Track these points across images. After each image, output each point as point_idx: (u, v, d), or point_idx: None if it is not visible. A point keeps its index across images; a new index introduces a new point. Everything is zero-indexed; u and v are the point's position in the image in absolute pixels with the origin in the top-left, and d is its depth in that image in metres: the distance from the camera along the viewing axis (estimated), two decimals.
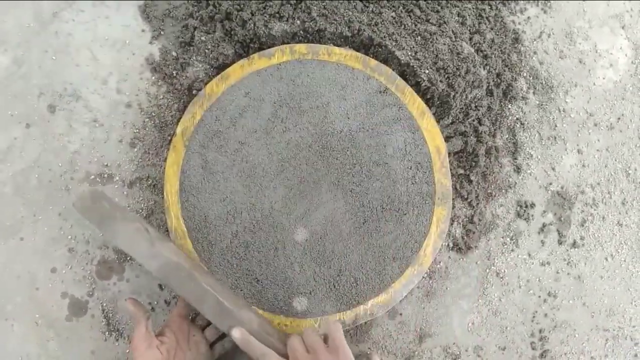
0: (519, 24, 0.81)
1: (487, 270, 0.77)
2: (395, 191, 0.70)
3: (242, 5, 0.74)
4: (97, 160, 0.75)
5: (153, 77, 0.77)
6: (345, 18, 0.72)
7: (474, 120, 0.76)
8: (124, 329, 0.74)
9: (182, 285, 0.62)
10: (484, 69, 0.74)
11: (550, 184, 0.79)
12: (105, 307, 0.74)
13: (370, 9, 0.74)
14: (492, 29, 0.77)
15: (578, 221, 0.79)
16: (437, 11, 0.75)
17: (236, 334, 0.61)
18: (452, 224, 0.76)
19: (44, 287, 0.74)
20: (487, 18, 0.77)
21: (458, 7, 0.76)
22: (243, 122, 0.70)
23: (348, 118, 0.70)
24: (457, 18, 0.75)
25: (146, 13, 0.78)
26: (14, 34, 0.76)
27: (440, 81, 0.72)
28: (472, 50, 0.72)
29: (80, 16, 0.77)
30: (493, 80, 0.76)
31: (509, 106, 0.79)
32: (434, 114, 0.72)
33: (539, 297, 0.78)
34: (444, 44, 0.72)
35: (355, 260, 0.69)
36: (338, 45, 0.73)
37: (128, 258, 0.74)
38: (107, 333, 0.74)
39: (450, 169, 0.71)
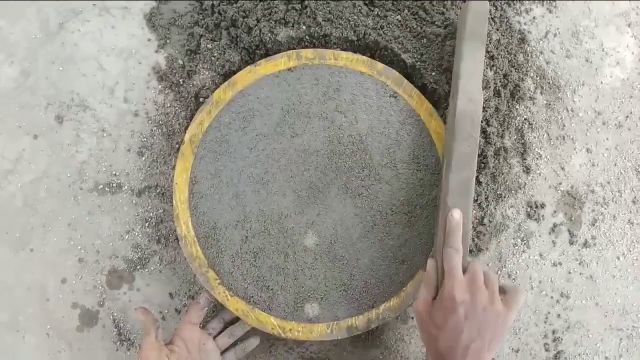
0: (525, 24, 0.81)
1: (499, 272, 0.76)
2: (405, 194, 0.69)
3: (247, 12, 0.74)
4: (105, 170, 0.76)
5: (160, 86, 0.77)
6: (351, 22, 0.72)
7: (481, 122, 0.75)
8: (135, 339, 0.74)
9: (463, 140, 0.65)
10: (491, 69, 0.74)
11: (560, 183, 0.79)
12: (116, 317, 0.74)
13: (376, 12, 0.74)
14: (497, 29, 0.77)
15: (589, 220, 0.79)
16: (443, 13, 0.75)
17: (456, 214, 0.62)
18: None
19: (55, 297, 0.74)
20: (492, 19, 0.77)
21: None
22: (251, 128, 0.70)
23: (356, 122, 0.70)
24: None
25: (152, 22, 0.78)
26: (20, 46, 0.77)
27: (447, 83, 0.71)
28: None
29: (86, 26, 0.78)
30: (500, 81, 0.76)
31: (517, 107, 0.78)
32: (441, 116, 0.72)
33: (552, 297, 0.77)
34: (450, 46, 0.72)
35: (366, 264, 0.68)
36: (344, 50, 0.73)
37: (138, 267, 0.74)
38: (118, 343, 0.73)
39: None
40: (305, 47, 0.74)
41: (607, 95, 0.81)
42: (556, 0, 0.82)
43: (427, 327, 0.59)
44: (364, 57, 0.71)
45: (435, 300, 0.60)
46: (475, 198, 0.76)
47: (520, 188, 0.78)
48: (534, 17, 0.81)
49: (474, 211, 0.76)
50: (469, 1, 0.68)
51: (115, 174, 0.76)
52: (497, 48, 0.76)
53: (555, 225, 0.78)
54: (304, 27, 0.72)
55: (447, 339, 0.57)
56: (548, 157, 0.79)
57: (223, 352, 0.70)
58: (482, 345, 0.56)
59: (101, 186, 0.75)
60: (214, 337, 0.70)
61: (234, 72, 0.73)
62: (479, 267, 0.60)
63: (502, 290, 0.60)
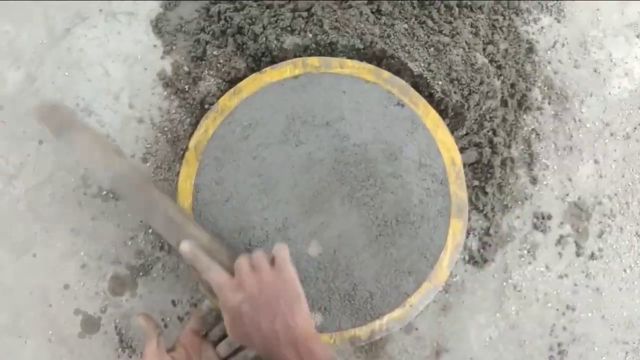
0: (533, 33, 0.80)
1: (504, 284, 0.76)
2: (410, 204, 0.69)
3: (253, 19, 0.74)
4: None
5: (165, 92, 0.77)
6: (358, 30, 0.72)
7: (488, 131, 0.75)
8: (136, 346, 0.73)
9: (133, 196, 0.64)
10: (498, 79, 0.74)
11: (567, 194, 0.78)
12: (118, 324, 0.73)
13: (383, 21, 0.74)
14: (505, 39, 0.77)
15: (596, 232, 0.78)
16: (450, 22, 0.74)
17: (185, 246, 0.60)
18: (467, 237, 0.75)
19: (57, 303, 0.73)
20: (500, 28, 0.77)
21: (471, 17, 0.75)
22: (256, 135, 0.70)
23: (362, 131, 0.70)
24: (470, 29, 0.75)
25: (158, 28, 0.78)
26: (27, 50, 0.77)
27: (454, 92, 0.71)
28: (486, 61, 0.72)
29: (92, 32, 0.78)
30: (507, 91, 0.76)
31: (524, 116, 0.78)
32: (448, 125, 0.71)
33: (557, 310, 0.76)
34: (458, 55, 0.71)
35: (370, 274, 0.68)
36: (350, 58, 0.73)
37: (141, 274, 0.74)
38: (120, 350, 0.73)
39: (466, 181, 0.70)
40: (312, 54, 0.74)
41: (615, 106, 0.80)
42: (565, 10, 0.81)
43: (250, 342, 0.58)
44: (370, 66, 0.71)
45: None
46: (481, 208, 0.75)
47: (526, 199, 0.77)
48: (542, 27, 0.81)
49: (480, 221, 0.76)
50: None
51: None
52: (504, 57, 0.76)
53: (561, 236, 0.77)
54: (310, 35, 0.72)
55: (259, 338, 0.56)
56: (555, 167, 0.78)
57: None
58: (285, 318, 0.55)
59: (105, 192, 0.75)
60: (215, 345, 0.70)
61: (240, 79, 0.73)
62: (243, 259, 0.59)
63: (273, 260, 0.60)
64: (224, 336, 0.71)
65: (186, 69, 0.77)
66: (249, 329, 0.56)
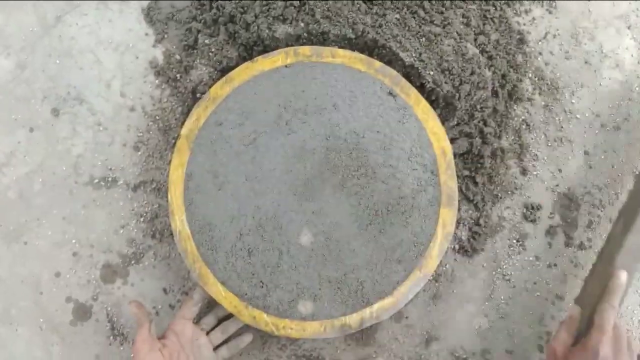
0: (524, 24, 0.80)
1: (494, 273, 0.76)
2: (401, 193, 0.69)
3: (245, 8, 0.73)
4: (101, 164, 0.75)
5: (157, 81, 0.77)
6: (349, 20, 0.72)
7: (479, 122, 0.75)
8: (128, 333, 0.74)
9: None
10: (489, 70, 0.74)
11: (557, 185, 0.79)
12: (110, 312, 0.74)
13: (374, 10, 0.74)
14: (496, 29, 0.77)
15: (585, 223, 0.79)
16: (442, 12, 0.74)
17: (623, 276, 0.64)
18: (457, 227, 0.76)
19: (48, 291, 0.73)
20: (491, 19, 0.77)
21: (462, 8, 0.75)
22: (248, 124, 0.70)
23: (353, 120, 0.70)
24: (461, 19, 0.75)
25: (149, 16, 0.78)
26: (17, 38, 0.77)
27: (445, 82, 0.71)
28: (477, 51, 0.72)
29: (83, 20, 0.78)
30: (498, 82, 0.76)
31: (515, 107, 0.78)
32: (439, 115, 0.72)
33: (546, 299, 0.77)
34: (449, 45, 0.72)
35: (361, 263, 0.68)
36: (342, 47, 0.73)
37: (132, 262, 0.74)
38: (111, 337, 0.73)
39: (456, 171, 0.71)
40: (303, 44, 0.74)
41: (605, 98, 0.81)
42: (556, 1, 0.81)
43: None
44: (362, 55, 0.71)
45: (576, 348, 0.61)
46: (472, 198, 0.76)
47: (516, 189, 0.78)
48: (533, 18, 0.81)
49: (470, 211, 0.76)
50: None
51: (110, 169, 0.75)
52: (495, 48, 0.76)
53: (551, 227, 0.78)
54: (302, 24, 0.72)
55: None
56: (545, 158, 0.79)
57: (216, 348, 0.70)
58: None
59: (96, 180, 0.75)
60: (207, 333, 0.70)
61: (232, 68, 0.73)
62: (625, 330, 0.62)
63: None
64: (216, 324, 0.72)
65: (178, 57, 0.77)
66: None
